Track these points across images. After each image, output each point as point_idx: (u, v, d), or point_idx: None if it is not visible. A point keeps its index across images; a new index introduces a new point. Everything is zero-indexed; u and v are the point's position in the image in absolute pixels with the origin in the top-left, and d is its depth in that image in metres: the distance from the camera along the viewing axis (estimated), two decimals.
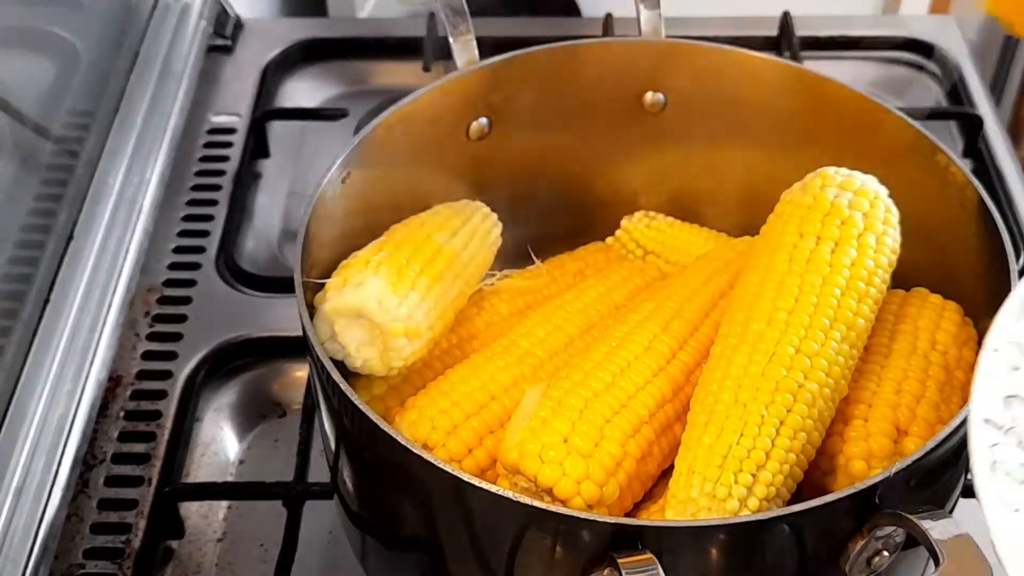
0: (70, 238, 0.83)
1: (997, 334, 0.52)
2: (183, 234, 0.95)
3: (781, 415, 0.59)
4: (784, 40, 1.09)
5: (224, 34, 1.12)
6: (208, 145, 1.03)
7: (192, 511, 0.78)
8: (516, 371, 0.68)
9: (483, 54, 0.74)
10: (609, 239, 0.82)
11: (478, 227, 0.73)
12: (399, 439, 0.55)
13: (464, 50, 0.74)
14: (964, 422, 0.56)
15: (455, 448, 0.64)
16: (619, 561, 0.52)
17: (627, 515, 0.62)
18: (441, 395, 0.66)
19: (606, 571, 0.53)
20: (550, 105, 0.77)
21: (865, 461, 0.61)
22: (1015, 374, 0.51)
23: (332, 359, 0.61)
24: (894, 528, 0.54)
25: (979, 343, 0.67)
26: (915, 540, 0.54)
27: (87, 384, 0.77)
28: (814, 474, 0.61)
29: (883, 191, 0.67)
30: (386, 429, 0.56)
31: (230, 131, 1.04)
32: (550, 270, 0.78)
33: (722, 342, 0.64)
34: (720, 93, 0.77)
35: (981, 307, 0.67)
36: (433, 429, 0.64)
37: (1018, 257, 0.89)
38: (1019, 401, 0.50)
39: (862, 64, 1.12)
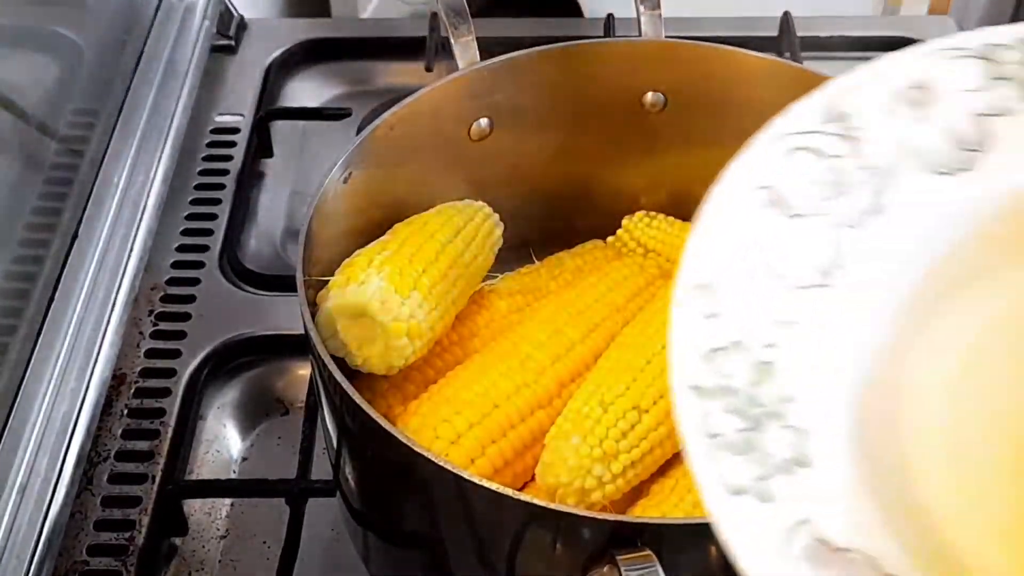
0: (74, 237, 0.83)
1: (680, 285, 0.45)
2: (187, 233, 0.95)
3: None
4: (784, 40, 1.08)
5: (227, 34, 1.12)
6: (211, 144, 1.03)
7: (195, 508, 0.79)
8: (519, 378, 0.67)
9: (484, 55, 0.74)
10: (610, 239, 0.82)
11: (480, 227, 0.74)
12: (400, 437, 0.56)
13: (465, 51, 0.74)
14: None
15: (457, 458, 0.63)
16: (618, 559, 0.52)
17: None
18: (444, 402, 0.66)
19: (606, 568, 0.53)
20: (551, 105, 0.78)
21: None
22: (711, 322, 0.44)
23: (334, 357, 0.62)
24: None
25: None
26: None
27: (91, 382, 0.77)
28: None
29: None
30: (387, 428, 0.56)
31: (233, 130, 1.04)
32: (549, 269, 0.78)
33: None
34: (720, 93, 0.77)
35: None
36: (436, 439, 0.63)
37: None
38: (723, 352, 0.43)
39: (862, 64, 1.12)
